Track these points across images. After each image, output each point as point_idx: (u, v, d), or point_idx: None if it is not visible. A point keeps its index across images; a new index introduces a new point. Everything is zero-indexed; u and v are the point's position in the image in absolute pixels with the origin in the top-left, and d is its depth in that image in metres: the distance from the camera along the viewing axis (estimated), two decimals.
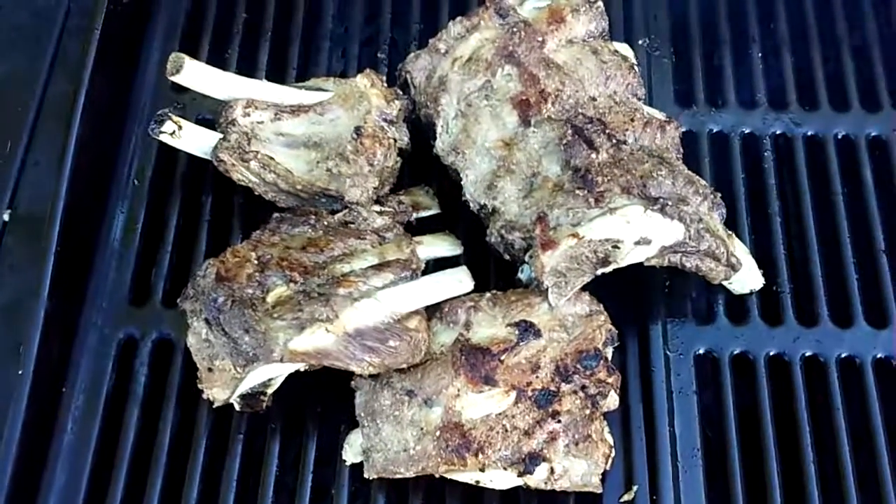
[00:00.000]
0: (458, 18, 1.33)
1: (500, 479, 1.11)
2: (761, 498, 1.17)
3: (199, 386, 1.14)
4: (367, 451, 1.13)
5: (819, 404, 1.23)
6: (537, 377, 1.12)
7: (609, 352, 1.17)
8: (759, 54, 1.51)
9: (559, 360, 1.13)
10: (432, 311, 1.18)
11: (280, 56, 1.50)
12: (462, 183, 1.26)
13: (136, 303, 1.30)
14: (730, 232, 1.24)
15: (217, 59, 1.46)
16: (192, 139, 1.29)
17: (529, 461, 1.09)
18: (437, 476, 1.12)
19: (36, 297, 1.21)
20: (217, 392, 1.13)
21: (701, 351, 1.27)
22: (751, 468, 1.19)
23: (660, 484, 1.17)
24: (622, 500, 1.17)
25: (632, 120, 1.24)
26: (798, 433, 1.21)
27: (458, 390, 1.11)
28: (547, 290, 1.14)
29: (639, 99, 1.30)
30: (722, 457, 1.20)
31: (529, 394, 1.11)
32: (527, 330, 1.14)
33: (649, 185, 1.16)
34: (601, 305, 1.19)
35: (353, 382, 1.15)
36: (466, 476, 1.12)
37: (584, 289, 1.17)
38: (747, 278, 1.26)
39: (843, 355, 1.26)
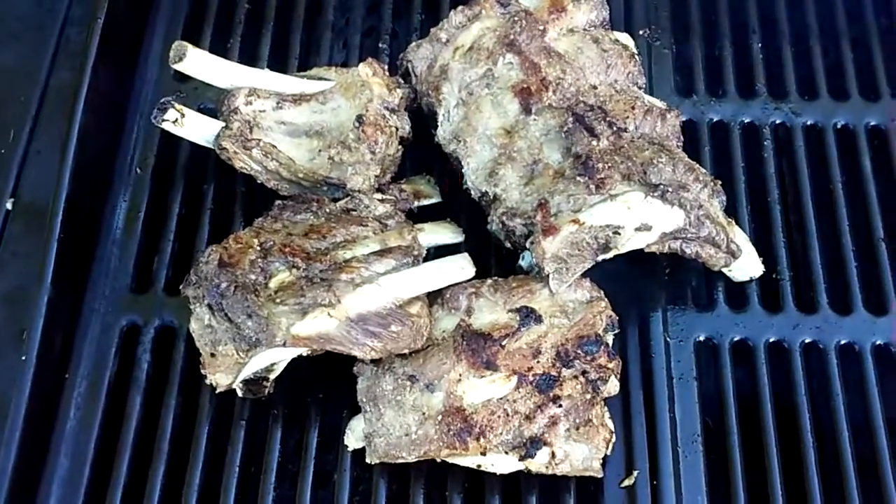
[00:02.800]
0: (460, 8, 1.33)
1: (502, 463, 1.12)
2: (761, 483, 1.18)
3: (203, 371, 1.14)
4: (369, 436, 1.13)
5: (818, 390, 1.24)
6: (538, 362, 1.12)
7: (609, 338, 1.17)
8: (759, 44, 1.51)
9: (560, 345, 1.13)
10: (434, 298, 1.18)
11: (282, 46, 1.50)
12: (463, 171, 1.26)
13: (138, 290, 1.30)
14: (730, 219, 1.24)
15: (219, 49, 1.46)
16: (194, 127, 1.29)
17: (531, 445, 1.10)
18: (438, 460, 1.12)
19: (39, 285, 1.22)
20: (220, 377, 1.13)
21: (701, 337, 1.27)
22: (751, 454, 1.19)
23: (660, 469, 1.18)
24: (623, 484, 1.17)
25: (632, 108, 1.24)
26: (797, 419, 1.21)
27: (460, 375, 1.11)
28: (548, 276, 1.15)
29: (639, 88, 1.30)
30: (722, 442, 1.20)
31: (530, 378, 1.11)
32: (528, 315, 1.14)
33: (650, 172, 1.16)
34: (602, 292, 1.19)
35: (354, 368, 1.16)
36: (468, 460, 1.12)
37: (584, 275, 1.17)
38: (747, 265, 1.26)
39: (842, 342, 1.27)
